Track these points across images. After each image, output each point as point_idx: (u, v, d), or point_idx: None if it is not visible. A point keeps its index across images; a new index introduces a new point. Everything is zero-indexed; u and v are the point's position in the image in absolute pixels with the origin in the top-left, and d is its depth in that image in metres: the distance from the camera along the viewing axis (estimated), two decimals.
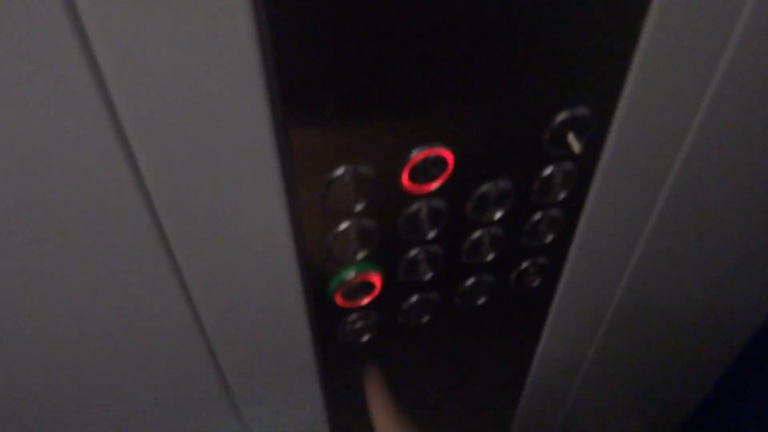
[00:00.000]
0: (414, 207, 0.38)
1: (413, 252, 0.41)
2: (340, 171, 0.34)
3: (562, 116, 0.37)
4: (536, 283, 0.50)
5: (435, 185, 0.37)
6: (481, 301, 0.49)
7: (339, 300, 0.41)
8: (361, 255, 0.39)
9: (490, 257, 0.44)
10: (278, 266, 0.37)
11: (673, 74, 0.38)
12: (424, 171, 0.36)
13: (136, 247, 0.32)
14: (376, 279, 0.41)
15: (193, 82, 0.27)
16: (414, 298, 0.45)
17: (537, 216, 0.43)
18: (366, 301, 0.43)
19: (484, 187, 0.39)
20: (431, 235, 0.40)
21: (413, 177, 0.36)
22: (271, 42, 0.27)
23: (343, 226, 0.37)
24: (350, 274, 0.40)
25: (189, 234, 0.33)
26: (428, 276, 0.43)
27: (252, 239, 0.35)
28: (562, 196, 0.42)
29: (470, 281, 0.46)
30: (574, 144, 0.38)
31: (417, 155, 0.35)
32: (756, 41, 0.38)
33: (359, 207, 0.36)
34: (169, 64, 0.26)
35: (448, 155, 0.36)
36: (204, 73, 0.27)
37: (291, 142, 0.31)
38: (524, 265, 0.47)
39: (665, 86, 0.39)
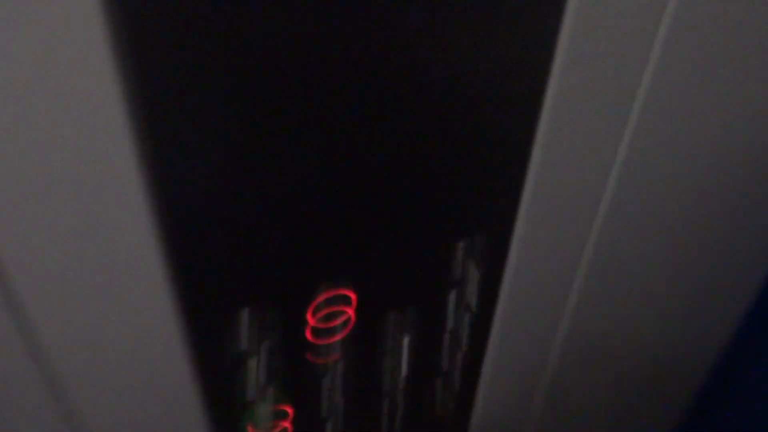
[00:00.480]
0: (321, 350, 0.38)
1: (324, 382, 0.41)
2: (243, 314, 0.34)
3: (461, 246, 0.39)
4: (452, 402, 0.50)
5: (339, 322, 0.37)
6: (398, 423, 0.48)
7: None
8: (269, 391, 0.39)
9: (402, 383, 0.45)
10: (182, 413, 0.36)
11: (565, 196, 0.41)
12: (328, 311, 0.36)
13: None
14: (287, 413, 0.41)
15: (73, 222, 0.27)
16: (329, 427, 0.44)
17: (445, 339, 0.44)
18: None
19: (391, 317, 0.40)
20: (340, 366, 0.40)
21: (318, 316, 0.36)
22: (160, 182, 0.27)
23: (249, 365, 0.36)
24: (260, 411, 0.39)
25: (85, 385, 0.32)
26: (341, 404, 0.43)
27: (153, 386, 0.34)
28: (467, 317, 0.43)
29: (384, 403, 0.46)
30: (475, 271, 0.39)
31: (319, 296, 0.35)
32: (643, 152, 0.41)
33: (264, 346, 0.36)
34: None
35: (351, 294, 0.36)
36: (81, 206, 0.26)
37: (186, 290, 0.31)
38: (438, 383, 0.48)
39: (558, 207, 0.41)
